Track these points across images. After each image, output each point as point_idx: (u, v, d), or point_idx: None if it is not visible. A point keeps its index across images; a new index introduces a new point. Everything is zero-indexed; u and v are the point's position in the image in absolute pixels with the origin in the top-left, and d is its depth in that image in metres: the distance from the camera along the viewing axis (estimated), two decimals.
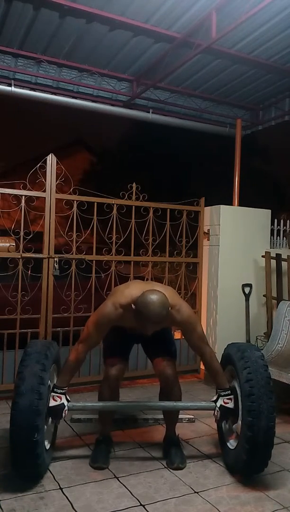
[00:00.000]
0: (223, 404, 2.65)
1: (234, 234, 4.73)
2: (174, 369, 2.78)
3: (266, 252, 4.69)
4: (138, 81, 5.68)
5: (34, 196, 3.93)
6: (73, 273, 4.05)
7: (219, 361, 2.78)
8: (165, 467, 2.73)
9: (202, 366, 4.64)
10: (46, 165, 3.96)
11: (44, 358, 2.52)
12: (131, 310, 2.51)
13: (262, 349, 3.88)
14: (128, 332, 2.82)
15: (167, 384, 2.78)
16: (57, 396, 2.58)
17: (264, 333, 4.70)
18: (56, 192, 4.01)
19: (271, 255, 4.67)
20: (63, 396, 2.59)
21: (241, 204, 5.21)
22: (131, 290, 2.58)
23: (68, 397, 2.63)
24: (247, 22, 4.24)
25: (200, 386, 4.49)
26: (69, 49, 5.02)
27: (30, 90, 5.51)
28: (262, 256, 4.72)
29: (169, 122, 6.43)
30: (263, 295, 4.77)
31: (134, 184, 4.29)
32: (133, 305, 2.47)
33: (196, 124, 6.59)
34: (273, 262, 4.65)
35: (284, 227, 5.40)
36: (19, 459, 2.39)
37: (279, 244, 5.32)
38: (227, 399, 2.66)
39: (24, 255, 3.86)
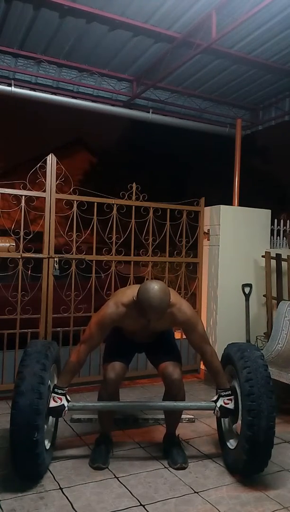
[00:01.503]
0: (223, 404, 2.65)
1: (234, 234, 4.72)
2: (180, 374, 2.77)
3: (266, 252, 4.69)
4: (138, 81, 5.68)
5: (34, 196, 3.93)
6: (73, 273, 4.04)
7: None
8: (165, 467, 2.73)
9: (202, 366, 4.64)
10: (46, 165, 3.96)
11: (44, 358, 2.52)
12: (133, 308, 2.53)
13: (262, 349, 3.88)
14: (130, 339, 2.84)
15: (172, 389, 2.77)
16: (58, 397, 2.58)
17: (264, 333, 4.70)
18: (56, 192, 4.01)
19: (271, 255, 4.67)
20: (63, 397, 2.59)
21: (241, 204, 5.21)
22: (133, 289, 2.60)
23: (68, 397, 2.63)
24: (247, 22, 4.25)
25: (200, 386, 4.49)
26: (69, 49, 5.02)
27: (30, 90, 5.51)
28: (262, 256, 4.72)
29: (169, 122, 6.44)
30: (263, 295, 4.77)
31: (134, 184, 4.29)
32: (134, 297, 2.49)
33: (196, 124, 6.59)
34: (273, 262, 4.65)
35: (284, 227, 5.40)
36: (19, 459, 2.39)
37: (279, 244, 5.33)
38: (228, 399, 2.66)
39: (24, 255, 3.86)
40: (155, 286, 2.42)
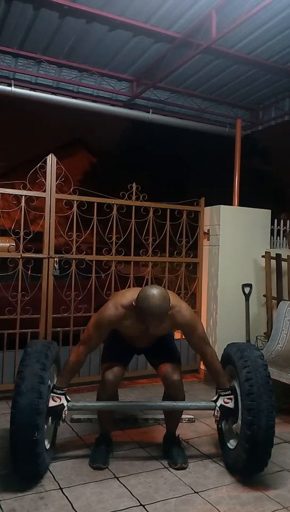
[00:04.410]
0: (223, 404, 2.65)
1: (234, 234, 4.72)
2: (180, 375, 2.77)
3: (266, 252, 4.69)
4: (138, 81, 5.68)
5: (34, 196, 3.93)
6: (73, 273, 4.04)
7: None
8: (165, 467, 2.73)
9: (202, 366, 4.64)
10: (46, 165, 3.96)
11: (44, 358, 2.52)
12: (133, 310, 2.52)
13: (262, 349, 3.88)
14: (129, 343, 2.83)
15: (172, 390, 2.76)
16: (57, 397, 2.58)
17: (264, 333, 4.70)
18: (56, 192, 4.01)
19: (271, 255, 4.67)
20: (62, 397, 2.59)
21: (241, 204, 5.20)
22: (133, 292, 2.59)
23: (68, 397, 2.63)
24: (247, 22, 4.25)
25: (200, 386, 4.49)
26: (69, 49, 5.02)
27: (30, 90, 5.51)
28: (262, 256, 4.72)
29: (169, 122, 6.44)
30: (263, 295, 4.77)
31: (134, 184, 4.29)
32: (134, 303, 2.48)
33: (196, 124, 6.60)
34: (273, 262, 4.65)
35: (284, 227, 5.40)
36: (19, 458, 2.39)
37: (279, 244, 5.32)
38: (227, 399, 2.66)
39: (24, 255, 3.86)
40: (154, 293, 2.40)
